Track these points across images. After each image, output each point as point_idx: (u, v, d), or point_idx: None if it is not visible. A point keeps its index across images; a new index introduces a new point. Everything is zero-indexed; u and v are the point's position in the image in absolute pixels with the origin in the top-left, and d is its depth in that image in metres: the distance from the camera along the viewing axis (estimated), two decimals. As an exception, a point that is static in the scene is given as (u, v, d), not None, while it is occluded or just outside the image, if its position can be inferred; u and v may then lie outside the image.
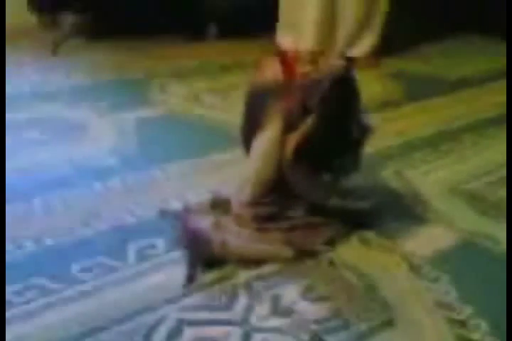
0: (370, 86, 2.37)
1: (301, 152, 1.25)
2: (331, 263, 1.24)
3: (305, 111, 1.25)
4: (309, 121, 1.25)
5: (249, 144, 1.33)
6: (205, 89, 2.36)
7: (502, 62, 2.64)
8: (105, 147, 1.80)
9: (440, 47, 3.07)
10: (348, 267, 1.23)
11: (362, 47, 2.50)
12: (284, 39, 2.49)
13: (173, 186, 1.56)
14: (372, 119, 1.35)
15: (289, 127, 1.26)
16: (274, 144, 1.26)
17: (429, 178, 1.64)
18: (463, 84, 2.49)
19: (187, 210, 1.39)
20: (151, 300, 1.11)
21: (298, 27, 2.45)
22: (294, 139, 1.25)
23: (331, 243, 1.29)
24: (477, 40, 3.20)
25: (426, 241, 1.34)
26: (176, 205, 1.45)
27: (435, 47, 3.07)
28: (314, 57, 1.31)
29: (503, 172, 1.67)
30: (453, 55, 2.95)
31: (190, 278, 1.18)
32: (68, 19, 2.85)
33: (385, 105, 2.20)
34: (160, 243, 1.30)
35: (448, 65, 2.77)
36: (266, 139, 1.27)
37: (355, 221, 1.34)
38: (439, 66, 2.76)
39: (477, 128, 2.00)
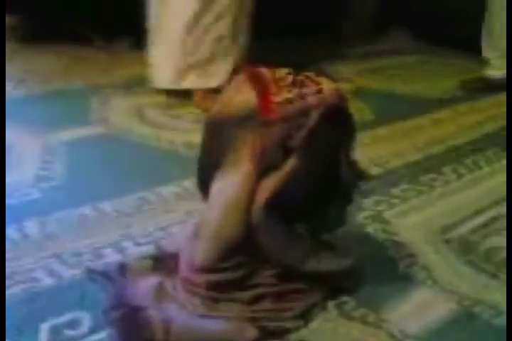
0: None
1: (277, 201, 0.98)
2: (304, 345, 0.98)
3: (285, 150, 0.97)
4: (290, 164, 0.97)
5: (206, 185, 1.05)
6: (153, 103, 2.07)
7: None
8: (27, 177, 1.49)
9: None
10: (325, 351, 0.98)
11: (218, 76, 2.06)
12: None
13: (108, 232, 1.27)
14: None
15: (262, 170, 0.98)
16: (241, 191, 0.98)
17: (410, 221, 1.41)
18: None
19: (122, 269, 1.11)
20: None
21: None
22: (268, 187, 0.97)
23: (305, 316, 1.04)
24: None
25: (416, 311, 1.10)
26: (109, 260, 1.16)
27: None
28: (298, 79, 1.00)
29: (492, 212, 1.46)
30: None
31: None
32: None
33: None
34: (84, 318, 1.00)
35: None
36: (231, 184, 0.99)
37: (333, 286, 1.09)
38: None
39: (458, 156, 1.80)
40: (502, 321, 1.08)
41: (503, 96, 2.39)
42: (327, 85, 0.98)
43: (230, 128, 0.98)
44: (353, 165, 1.03)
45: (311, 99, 0.96)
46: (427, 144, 1.87)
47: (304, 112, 0.95)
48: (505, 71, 2.46)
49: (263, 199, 0.97)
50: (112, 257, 1.17)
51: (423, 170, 1.68)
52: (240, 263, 1.00)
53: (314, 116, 0.95)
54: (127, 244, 1.22)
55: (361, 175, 1.05)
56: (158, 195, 1.43)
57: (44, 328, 0.98)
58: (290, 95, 0.96)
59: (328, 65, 2.66)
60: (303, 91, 0.96)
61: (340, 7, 3.32)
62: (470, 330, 1.06)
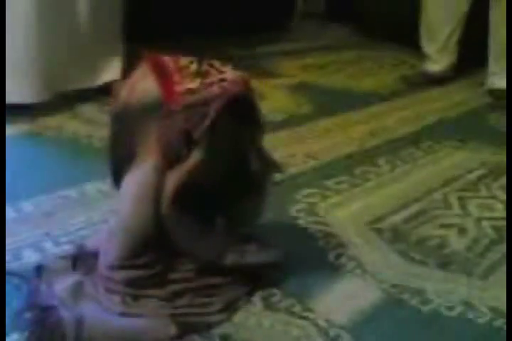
0: (271, 99, 2.15)
1: (186, 195, 0.95)
2: (227, 340, 0.96)
3: (189, 141, 0.94)
4: (195, 155, 0.94)
5: (119, 178, 1.02)
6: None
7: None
8: None
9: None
10: (249, 344, 0.96)
11: (111, 72, 2.00)
12: None
13: (27, 232, 1.22)
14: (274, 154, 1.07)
15: (168, 162, 0.95)
16: (149, 184, 0.95)
17: (343, 213, 1.41)
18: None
19: (39, 269, 1.06)
20: None
21: None
22: (174, 178, 0.94)
23: (228, 310, 1.01)
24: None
25: (344, 300, 1.09)
26: (27, 261, 1.11)
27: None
28: (202, 68, 0.97)
29: (421, 204, 1.47)
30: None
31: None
32: None
33: (292, 121, 1.96)
34: (-3, 320, 0.96)
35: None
36: (138, 178, 0.96)
37: (258, 279, 1.07)
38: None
39: (394, 149, 1.81)
40: (428, 308, 1.08)
41: (441, 90, 2.44)
42: (231, 74, 0.96)
43: (135, 119, 0.95)
44: (263, 156, 1.01)
45: (214, 89, 0.93)
46: (363, 137, 1.88)
47: (207, 102, 0.92)
48: (443, 65, 2.51)
49: (169, 193, 0.94)
50: (31, 257, 1.12)
51: (358, 162, 1.69)
52: (155, 259, 0.97)
53: (216, 106, 0.92)
54: (47, 244, 1.17)
55: (273, 166, 1.03)
56: (81, 192, 1.39)
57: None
58: (193, 85, 0.93)
59: (272, 60, 2.66)
60: (206, 81, 0.94)
61: (286, 5, 3.34)
62: (398, 318, 1.06)
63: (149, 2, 2.58)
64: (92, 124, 1.79)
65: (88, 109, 1.90)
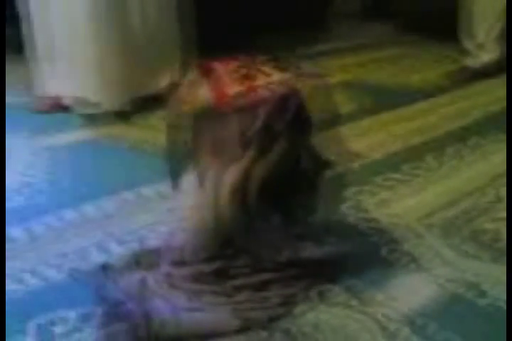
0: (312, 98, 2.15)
1: (242, 193, 0.98)
2: (287, 333, 0.99)
3: (242, 141, 0.98)
4: (249, 155, 0.98)
5: (178, 180, 1.06)
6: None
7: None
8: (10, 183, 1.50)
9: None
10: (308, 338, 0.98)
11: (162, 83, 2.06)
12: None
13: (91, 233, 1.28)
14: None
15: (224, 162, 0.99)
16: (208, 186, 0.99)
17: (392, 209, 1.42)
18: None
19: (106, 268, 1.11)
20: None
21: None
22: (231, 177, 0.98)
23: (287, 305, 1.05)
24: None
25: (400, 295, 1.10)
26: (93, 260, 1.17)
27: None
28: (250, 72, 1.01)
29: (471, 199, 1.47)
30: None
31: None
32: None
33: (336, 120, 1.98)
34: (70, 316, 1.01)
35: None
36: (198, 177, 1.00)
37: (314, 274, 1.10)
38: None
39: (441, 145, 1.81)
40: (486, 301, 1.09)
41: (485, 85, 2.42)
42: (278, 77, 1.00)
43: (189, 123, 0.99)
44: (314, 154, 1.04)
45: (262, 91, 0.97)
46: (408, 134, 1.88)
47: (257, 104, 0.96)
48: (485, 60, 2.48)
49: (227, 191, 0.97)
50: (95, 257, 1.18)
51: (405, 159, 1.69)
52: (216, 255, 1.01)
53: (266, 107, 0.96)
54: (110, 244, 1.23)
55: (324, 164, 1.06)
56: (138, 194, 1.44)
57: (31, 326, 0.98)
58: (242, 87, 0.97)
59: (312, 60, 2.67)
60: (254, 84, 0.97)
61: (322, 6, 3.35)
62: (455, 312, 1.07)
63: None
64: (150, 131, 1.86)
65: (147, 116, 1.97)
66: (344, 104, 2.14)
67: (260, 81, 0.98)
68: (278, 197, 1.02)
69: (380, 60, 2.80)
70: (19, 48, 2.03)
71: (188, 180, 1.03)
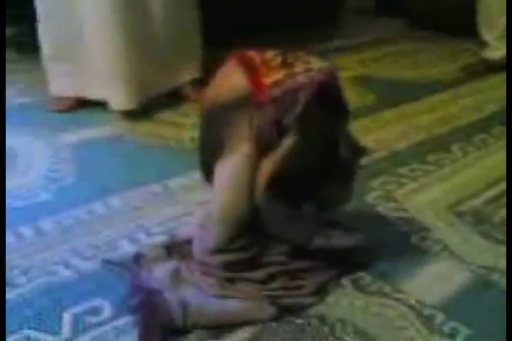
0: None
1: (278, 181, 0.98)
2: (322, 320, 0.98)
3: (280, 129, 0.97)
4: (287, 143, 0.97)
5: (209, 171, 1.06)
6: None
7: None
8: (35, 180, 1.51)
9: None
10: (344, 324, 0.98)
11: (182, 79, 2.05)
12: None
13: (120, 225, 1.28)
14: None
15: (261, 151, 0.98)
16: (242, 173, 0.99)
17: (420, 199, 1.41)
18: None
19: (138, 258, 1.12)
20: None
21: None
22: (268, 166, 0.98)
23: (320, 292, 1.04)
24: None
25: (433, 281, 1.10)
26: (124, 251, 1.17)
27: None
28: (287, 60, 1.00)
29: (500, 187, 1.46)
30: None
31: (145, 353, 0.91)
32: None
33: (356, 112, 1.97)
34: (105, 306, 1.02)
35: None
36: (232, 167, 1.00)
37: (346, 262, 1.10)
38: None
39: (465, 135, 1.79)
40: (520, 287, 1.08)
41: (502, 78, 2.40)
42: (316, 64, 0.99)
43: (225, 113, 0.98)
44: (350, 141, 1.04)
45: (301, 78, 0.96)
46: (431, 125, 1.87)
47: (295, 91, 0.95)
48: (504, 52, 2.46)
49: (263, 180, 0.97)
50: (126, 248, 1.18)
51: (429, 150, 1.68)
52: (249, 243, 1.01)
53: (305, 94, 0.95)
54: (140, 235, 1.23)
55: (360, 151, 1.05)
56: (165, 187, 1.45)
57: (66, 316, 0.99)
58: (280, 76, 0.96)
59: (328, 56, 2.66)
60: (292, 71, 0.97)
61: (335, 2, 3.35)
62: (488, 298, 1.06)
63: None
64: (172, 127, 1.86)
65: (169, 113, 1.97)
66: (363, 97, 2.14)
67: (298, 68, 0.97)
68: (313, 184, 1.02)
69: (396, 54, 2.78)
70: (34, 48, 2.04)
71: (222, 170, 1.02)
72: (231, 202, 0.99)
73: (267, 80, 0.98)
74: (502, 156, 1.65)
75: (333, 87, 0.99)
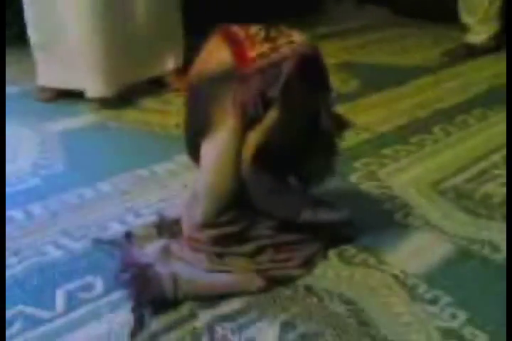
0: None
1: (264, 155, 1.00)
2: (310, 290, 1.02)
3: (265, 102, 0.99)
4: (271, 115, 0.99)
5: (196, 150, 1.08)
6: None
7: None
8: (24, 167, 1.52)
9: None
10: (331, 294, 1.01)
11: (164, 68, 2.07)
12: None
13: (109, 208, 1.30)
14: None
15: (246, 124, 1.00)
16: (229, 148, 1.01)
17: (403, 177, 1.45)
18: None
19: (128, 236, 1.14)
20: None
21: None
22: (253, 138, 1.00)
23: (307, 265, 1.07)
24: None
25: (416, 253, 1.13)
26: (114, 231, 1.20)
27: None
28: (271, 34, 1.02)
29: (481, 165, 1.50)
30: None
31: (139, 325, 0.93)
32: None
33: (340, 97, 2.00)
34: (97, 282, 1.04)
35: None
36: (218, 142, 1.02)
37: (332, 235, 1.13)
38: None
39: (447, 117, 1.83)
40: (499, 256, 1.12)
41: (484, 61, 2.44)
42: (298, 37, 1.01)
43: (210, 88, 1.00)
44: (333, 114, 1.06)
45: (284, 51, 0.99)
46: (413, 109, 1.91)
47: (279, 63, 0.98)
48: (485, 36, 2.50)
49: (250, 153, 0.99)
50: (116, 228, 1.21)
51: (412, 132, 1.72)
52: (237, 217, 1.03)
53: (288, 66, 0.97)
54: (129, 217, 1.26)
55: (342, 124, 1.08)
56: (151, 172, 1.47)
57: (60, 293, 1.02)
58: (264, 49, 0.99)
59: (312, 43, 2.69)
60: (276, 44, 0.99)
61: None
62: (468, 267, 1.10)
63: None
64: (156, 113, 1.88)
65: (151, 100, 1.99)
66: (347, 83, 2.17)
67: (282, 41, 1.00)
68: (297, 157, 1.05)
69: (380, 41, 2.81)
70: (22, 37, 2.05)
71: (208, 146, 1.04)
72: (218, 177, 1.02)
73: (252, 53, 1.00)
74: (482, 137, 1.70)
75: (315, 60, 1.02)
